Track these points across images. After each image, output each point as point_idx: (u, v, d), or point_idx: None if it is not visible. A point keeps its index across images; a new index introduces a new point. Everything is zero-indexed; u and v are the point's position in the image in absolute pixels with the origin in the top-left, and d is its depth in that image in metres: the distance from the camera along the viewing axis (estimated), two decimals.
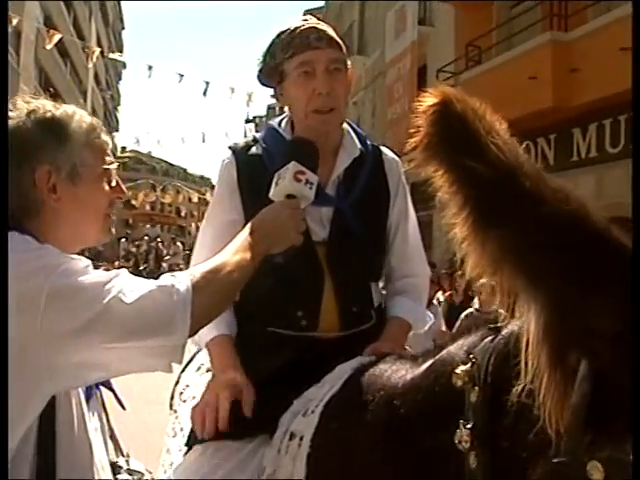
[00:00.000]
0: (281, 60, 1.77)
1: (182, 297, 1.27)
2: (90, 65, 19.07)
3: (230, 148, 1.89)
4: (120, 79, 67.06)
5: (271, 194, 1.60)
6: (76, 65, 36.39)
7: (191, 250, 2.17)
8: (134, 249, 24.33)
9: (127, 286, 1.25)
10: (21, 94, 1.43)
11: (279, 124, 1.90)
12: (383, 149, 1.97)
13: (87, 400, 1.47)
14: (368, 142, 1.92)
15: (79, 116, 1.43)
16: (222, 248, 1.47)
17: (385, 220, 1.88)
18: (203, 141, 24.93)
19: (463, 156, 0.79)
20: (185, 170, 71.42)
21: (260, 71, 1.87)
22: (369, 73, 21.40)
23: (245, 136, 15.29)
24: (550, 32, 10.25)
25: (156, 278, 1.34)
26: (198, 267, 1.39)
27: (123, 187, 1.52)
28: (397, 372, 1.34)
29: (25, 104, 1.39)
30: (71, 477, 1.31)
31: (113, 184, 1.48)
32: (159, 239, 24.77)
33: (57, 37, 14.85)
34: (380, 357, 1.50)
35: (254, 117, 50.71)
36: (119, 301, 1.22)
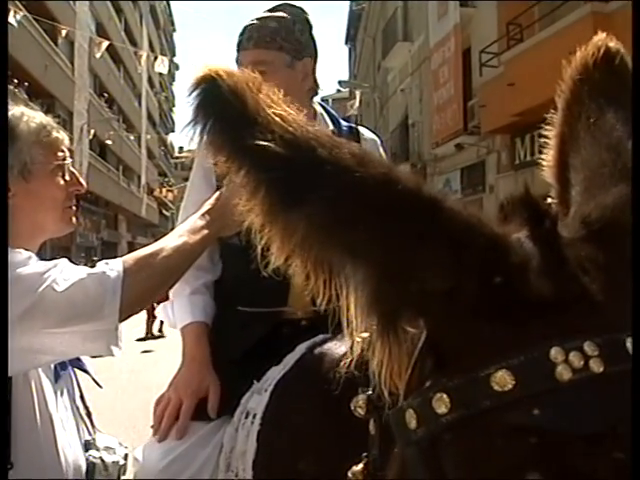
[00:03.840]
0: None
1: (111, 283, 1.34)
2: (139, 70, 19.48)
3: None
4: (174, 80, 68.32)
5: None
6: (129, 70, 37.29)
7: None
8: None
9: (62, 275, 1.33)
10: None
11: None
12: (361, 129, 1.96)
13: (56, 380, 1.54)
14: (344, 123, 1.92)
15: (27, 117, 1.51)
16: None
17: None
18: None
19: (246, 136, 0.68)
20: None
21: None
22: (415, 59, 21.18)
23: None
24: (590, 3, 9.94)
25: None
26: (135, 252, 1.46)
27: (81, 180, 1.60)
28: (341, 347, 1.34)
29: None
30: (31, 453, 1.40)
31: (67, 178, 1.56)
32: None
33: (105, 44, 15.25)
34: (336, 334, 1.52)
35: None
36: (52, 290, 1.30)
